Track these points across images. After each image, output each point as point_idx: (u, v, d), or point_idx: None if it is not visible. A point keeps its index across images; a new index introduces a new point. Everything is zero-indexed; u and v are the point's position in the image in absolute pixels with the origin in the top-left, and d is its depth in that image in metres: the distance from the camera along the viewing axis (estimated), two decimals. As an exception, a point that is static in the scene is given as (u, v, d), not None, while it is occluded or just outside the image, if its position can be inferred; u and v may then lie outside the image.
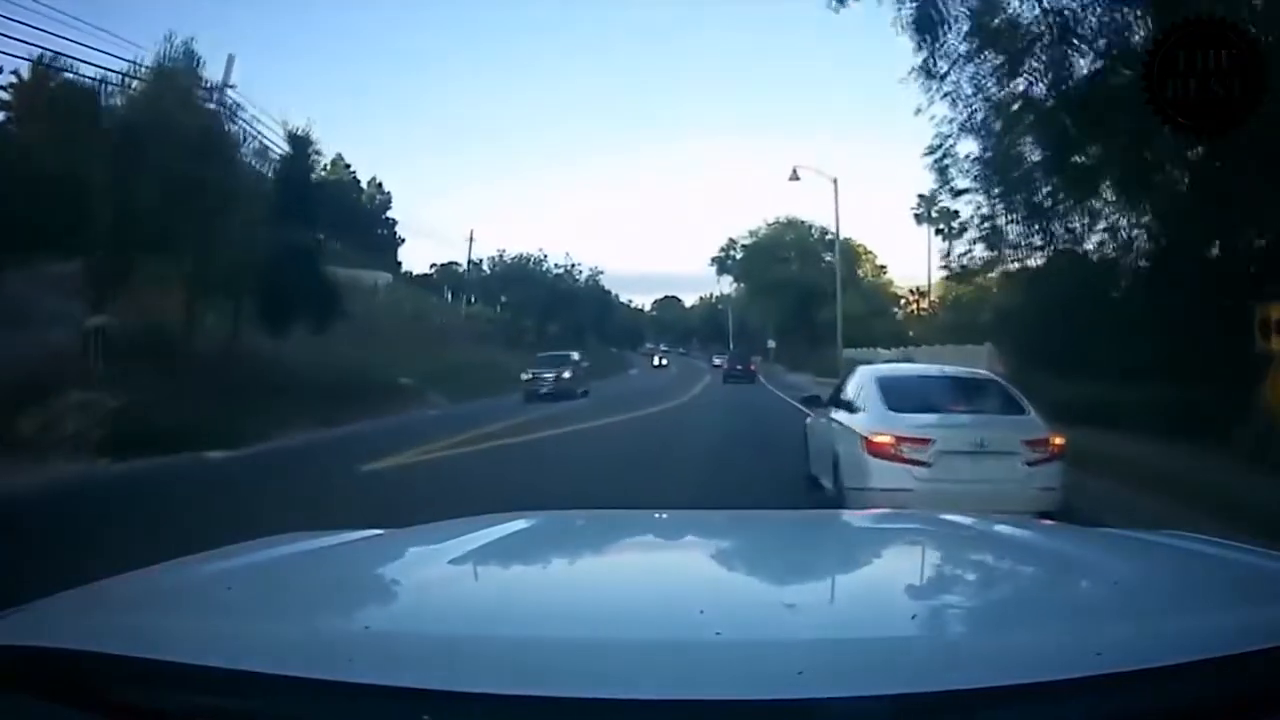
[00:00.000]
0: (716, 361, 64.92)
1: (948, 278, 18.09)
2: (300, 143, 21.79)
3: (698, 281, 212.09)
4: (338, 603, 1.43)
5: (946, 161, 16.26)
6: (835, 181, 31.75)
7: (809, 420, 10.20)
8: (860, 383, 8.15)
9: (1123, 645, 1.08)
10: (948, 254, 18.17)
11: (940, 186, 16.76)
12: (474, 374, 34.65)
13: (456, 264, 61.56)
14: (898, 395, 7.56)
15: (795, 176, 30.61)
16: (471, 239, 60.97)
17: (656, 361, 78.08)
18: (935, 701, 0.97)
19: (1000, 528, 2.06)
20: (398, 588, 1.61)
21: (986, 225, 16.44)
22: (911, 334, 53.02)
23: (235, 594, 1.42)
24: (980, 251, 17.09)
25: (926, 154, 16.50)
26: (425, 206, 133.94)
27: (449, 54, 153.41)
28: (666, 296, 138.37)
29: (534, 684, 0.99)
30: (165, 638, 1.17)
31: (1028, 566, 1.75)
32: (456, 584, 1.58)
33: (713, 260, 73.27)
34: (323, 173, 59.41)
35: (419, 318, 46.46)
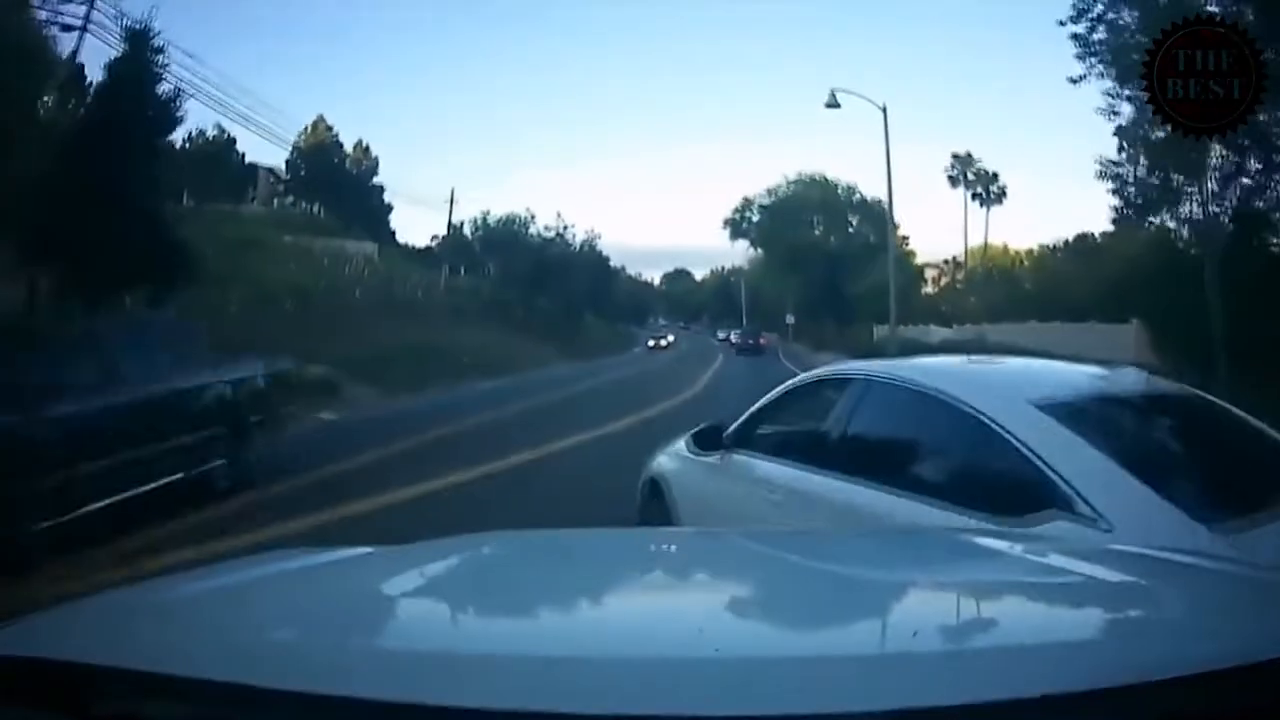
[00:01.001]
0: (721, 335, 72.90)
1: (1116, 220, 11.55)
2: (139, 41, 15.16)
3: (709, 256, 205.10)
4: (335, 617, 1.41)
5: (1099, 33, 9.90)
6: (884, 110, 24.74)
7: (669, 472, 4.92)
8: (987, 425, 2.96)
9: (1123, 660, 1.10)
10: (1119, 181, 11.39)
11: (1092, 67, 10.35)
12: (432, 357, 28.77)
13: (460, 234, 54.68)
14: (1154, 470, 2.72)
15: (834, 102, 23.49)
16: (453, 199, 52.19)
17: (652, 343, 65.90)
18: (936, 717, 0.97)
19: (1002, 543, 2.00)
20: (396, 603, 1.57)
21: (1164, 139, 10.00)
22: (944, 309, 47.38)
23: (231, 608, 1.44)
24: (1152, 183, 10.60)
25: (1069, 20, 10.25)
26: (430, 184, 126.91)
27: (445, 20, 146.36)
28: (676, 270, 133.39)
29: (532, 700, 0.99)
30: (160, 650, 1.18)
31: (1029, 581, 1.67)
32: (454, 600, 1.58)
33: (726, 222, 64.67)
34: (300, 135, 55.03)
35: (389, 290, 40.67)
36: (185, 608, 1.47)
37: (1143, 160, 10.71)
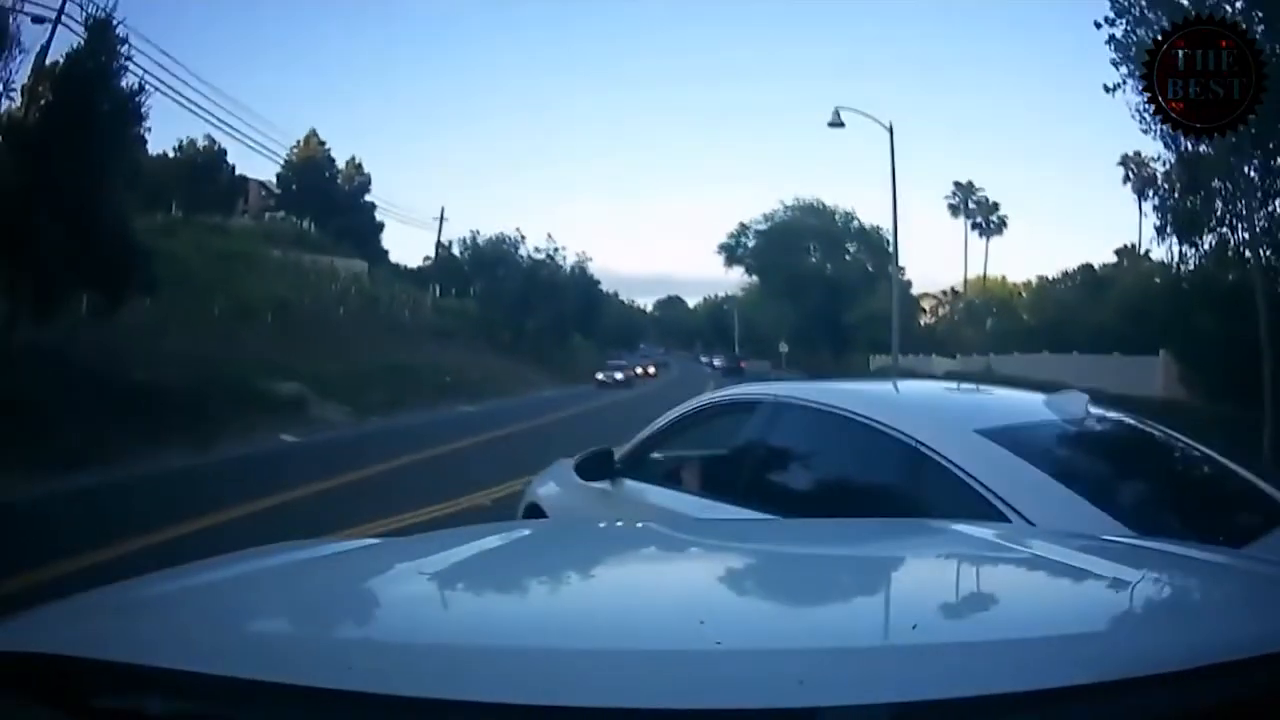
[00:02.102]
0: (705, 360, 79.95)
1: (1159, 230, 10.64)
2: (99, 32, 14.28)
3: (703, 285, 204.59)
4: (335, 610, 1.38)
5: (1139, 35, 8.98)
6: (890, 129, 23.98)
7: (548, 497, 4.64)
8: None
9: (1124, 652, 1.08)
10: (1163, 194, 10.44)
11: (1131, 73, 9.40)
12: (413, 378, 27.84)
13: (451, 254, 53.61)
14: (1086, 482, 2.78)
15: (837, 121, 22.70)
16: (442, 217, 50.23)
17: (603, 376, 48.55)
18: (937, 710, 0.96)
19: (1003, 536, 1.95)
20: (397, 595, 1.52)
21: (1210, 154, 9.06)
22: (943, 339, 46.66)
23: (231, 601, 1.42)
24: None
25: (1106, 21, 9.41)
26: (424, 204, 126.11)
27: (442, 41, 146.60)
28: (669, 297, 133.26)
29: (533, 693, 0.98)
30: (159, 644, 1.15)
31: (1031, 573, 1.65)
32: (454, 592, 1.56)
33: (721, 248, 63.79)
34: (292, 149, 54.17)
35: (374, 309, 39.82)
36: (185, 601, 1.42)
37: (1178, 178, 9.84)
